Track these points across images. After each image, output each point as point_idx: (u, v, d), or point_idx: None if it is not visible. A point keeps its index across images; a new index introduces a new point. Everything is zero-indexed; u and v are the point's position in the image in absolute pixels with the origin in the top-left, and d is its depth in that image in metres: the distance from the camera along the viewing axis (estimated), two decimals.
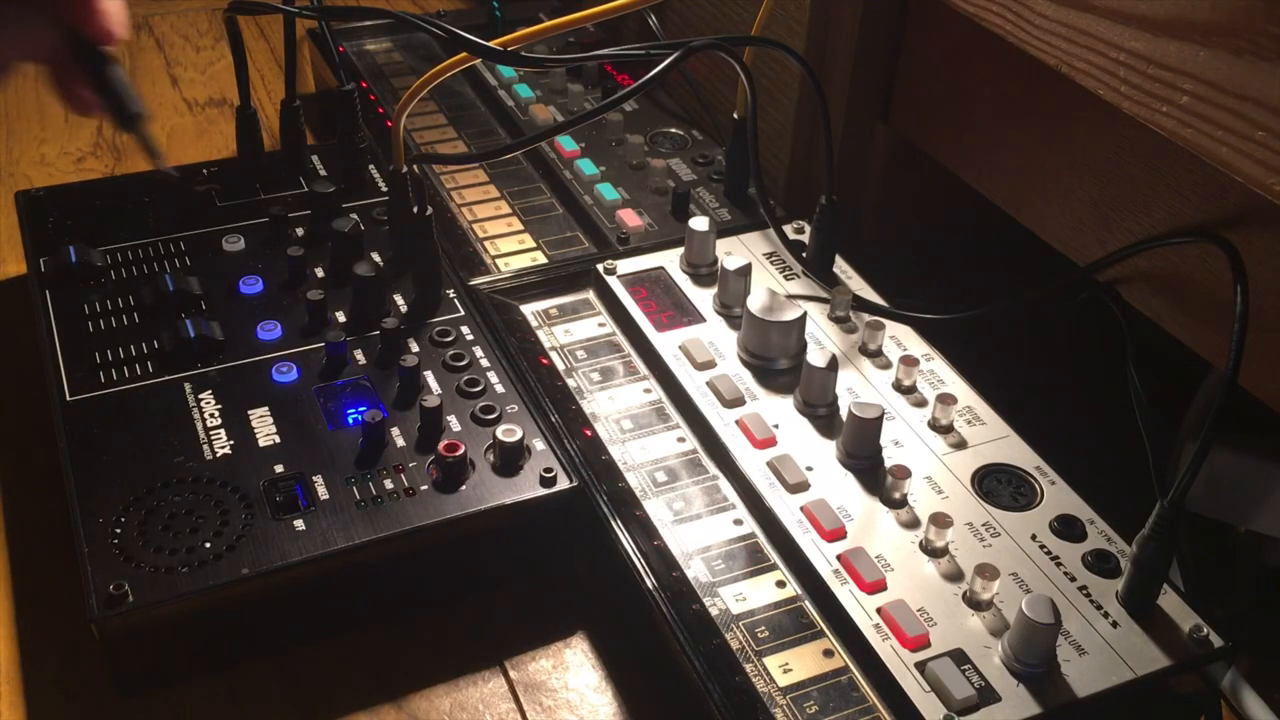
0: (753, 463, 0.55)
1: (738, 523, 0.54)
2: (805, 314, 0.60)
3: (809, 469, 0.55)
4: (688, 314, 0.64)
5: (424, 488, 0.54)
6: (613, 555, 0.53)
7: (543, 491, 0.54)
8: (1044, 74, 0.54)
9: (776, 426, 0.57)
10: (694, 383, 0.60)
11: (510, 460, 0.55)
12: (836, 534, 0.52)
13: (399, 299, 0.65)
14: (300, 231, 0.69)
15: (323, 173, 0.75)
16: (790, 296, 0.61)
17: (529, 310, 0.65)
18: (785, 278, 0.67)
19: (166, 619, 0.49)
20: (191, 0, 1.10)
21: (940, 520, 0.51)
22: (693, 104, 0.82)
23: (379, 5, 0.69)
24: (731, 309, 0.64)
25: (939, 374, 0.61)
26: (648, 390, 0.60)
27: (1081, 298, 0.58)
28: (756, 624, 0.49)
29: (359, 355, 0.61)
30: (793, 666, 0.48)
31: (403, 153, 0.64)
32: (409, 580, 0.54)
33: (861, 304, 0.64)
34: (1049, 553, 0.52)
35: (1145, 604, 0.49)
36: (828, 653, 0.49)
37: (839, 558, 0.51)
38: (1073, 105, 0.55)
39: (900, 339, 0.63)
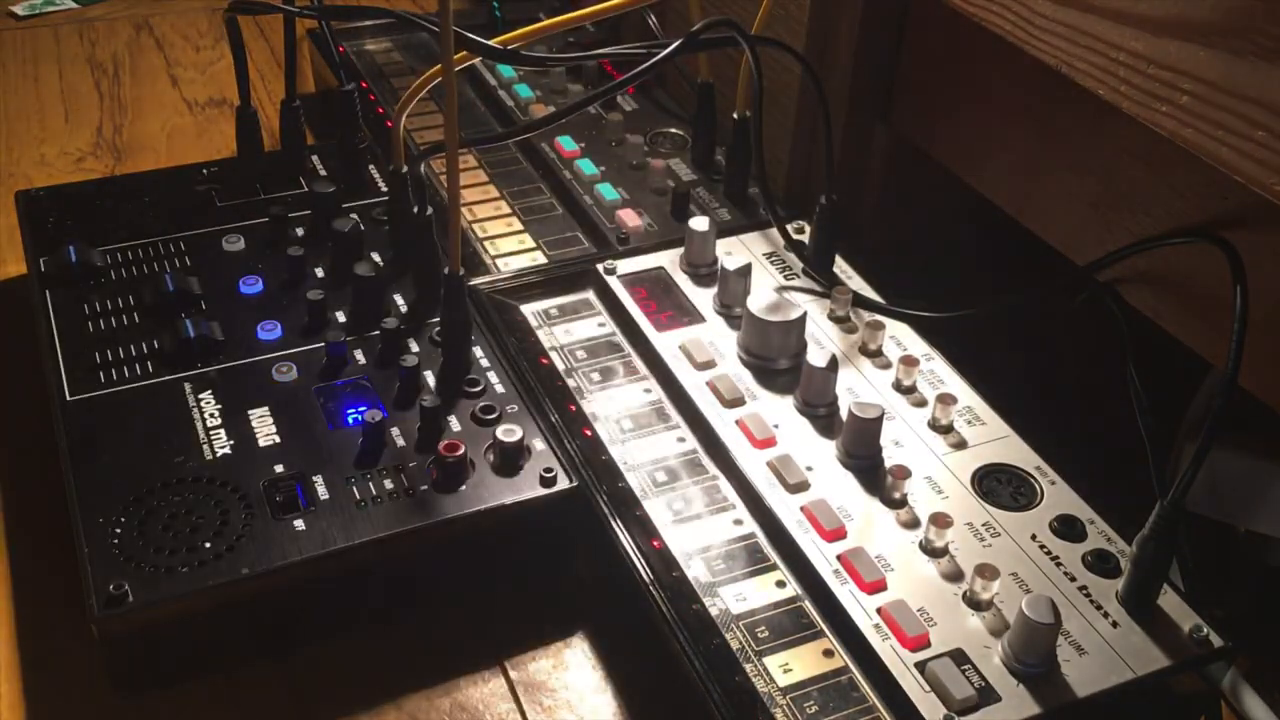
0: (753, 463, 0.55)
1: (738, 523, 0.54)
2: (805, 314, 0.60)
3: (809, 469, 0.55)
4: (688, 314, 0.64)
5: (424, 488, 0.54)
6: (613, 555, 0.53)
7: (543, 491, 0.54)
8: (1044, 74, 0.54)
9: (776, 426, 0.57)
10: (694, 383, 0.60)
11: (510, 460, 0.55)
12: (836, 534, 0.52)
13: (399, 299, 0.65)
14: (300, 231, 0.69)
15: (323, 173, 0.75)
16: (790, 296, 0.61)
17: (529, 310, 0.65)
18: (785, 278, 0.67)
19: (166, 619, 0.49)
20: (191, 0, 1.10)
21: (940, 520, 0.51)
22: (693, 104, 0.82)
23: (379, 5, 0.69)
24: (731, 309, 0.64)
25: (939, 374, 0.61)
26: (648, 390, 0.60)
27: (1081, 298, 0.58)
28: (756, 624, 0.49)
29: (359, 355, 0.61)
30: (793, 666, 0.48)
31: (403, 152, 0.64)
32: (409, 580, 0.54)
33: (861, 303, 0.64)
34: (1049, 553, 0.52)
35: (1145, 604, 0.49)
36: (828, 653, 0.49)
37: (839, 558, 0.51)
38: (1073, 105, 0.56)
39: (900, 339, 0.63)
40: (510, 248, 0.70)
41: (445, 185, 0.74)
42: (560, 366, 0.62)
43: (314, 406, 0.58)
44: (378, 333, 0.61)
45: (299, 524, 0.52)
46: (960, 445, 0.57)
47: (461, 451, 0.54)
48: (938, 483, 0.55)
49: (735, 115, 0.70)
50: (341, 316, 0.63)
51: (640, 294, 0.65)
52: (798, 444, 0.56)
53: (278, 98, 0.74)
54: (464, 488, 0.54)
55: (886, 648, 0.48)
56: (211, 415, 0.57)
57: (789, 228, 0.69)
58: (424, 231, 0.63)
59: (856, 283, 0.66)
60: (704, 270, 0.66)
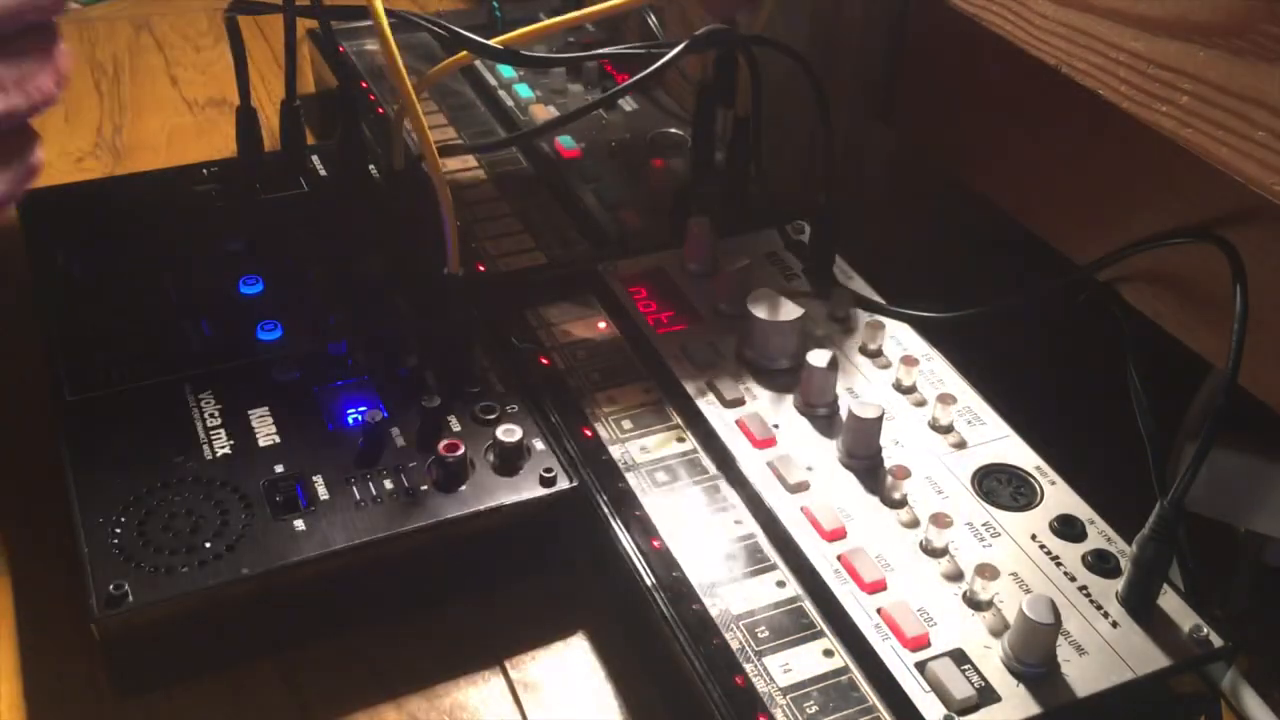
0: (753, 463, 0.55)
1: (738, 523, 0.54)
2: (805, 314, 0.60)
3: (809, 469, 0.55)
4: (688, 314, 0.64)
5: (424, 488, 0.54)
6: (613, 555, 0.53)
7: (543, 491, 0.54)
8: (1044, 74, 0.54)
9: (776, 426, 0.57)
10: (694, 383, 0.60)
11: (510, 460, 0.55)
12: (836, 534, 0.52)
13: (399, 299, 0.65)
14: (301, 231, 0.69)
15: (323, 173, 0.75)
16: (790, 296, 0.61)
17: (529, 310, 0.65)
18: (785, 278, 0.67)
19: (166, 619, 0.49)
20: (191, 0, 1.10)
21: (940, 520, 0.51)
22: (693, 104, 0.82)
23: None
24: (731, 309, 0.64)
25: (939, 374, 0.61)
26: (647, 390, 0.60)
27: (1081, 298, 0.58)
28: (756, 624, 0.49)
29: (359, 355, 0.61)
30: (793, 666, 0.48)
31: (403, 152, 0.64)
32: (409, 580, 0.54)
33: (861, 303, 0.64)
34: (1049, 553, 0.52)
35: (1145, 604, 0.49)
36: (828, 653, 0.49)
37: (839, 558, 0.51)
38: (1073, 105, 0.55)
39: (900, 339, 0.63)
40: (510, 248, 0.70)
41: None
42: (560, 366, 0.62)
43: (314, 406, 0.58)
44: (378, 333, 0.61)
45: (299, 524, 0.52)
46: (960, 445, 0.57)
47: (461, 451, 0.54)
48: (938, 483, 0.55)
49: (736, 114, 0.70)
50: (341, 316, 0.63)
51: (640, 294, 0.65)
52: (798, 444, 0.56)
53: (278, 98, 0.74)
54: (464, 488, 0.54)
55: (886, 648, 0.48)
56: (211, 415, 0.57)
57: (789, 228, 0.69)
58: (424, 232, 0.63)
59: (856, 283, 0.66)
60: (704, 270, 0.66)
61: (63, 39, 0.52)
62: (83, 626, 0.48)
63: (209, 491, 0.53)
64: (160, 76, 0.99)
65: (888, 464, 0.55)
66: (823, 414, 0.58)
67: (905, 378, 0.59)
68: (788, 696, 0.47)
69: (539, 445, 0.56)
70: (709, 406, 0.58)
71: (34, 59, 0.50)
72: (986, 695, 0.46)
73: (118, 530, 0.51)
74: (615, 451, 0.57)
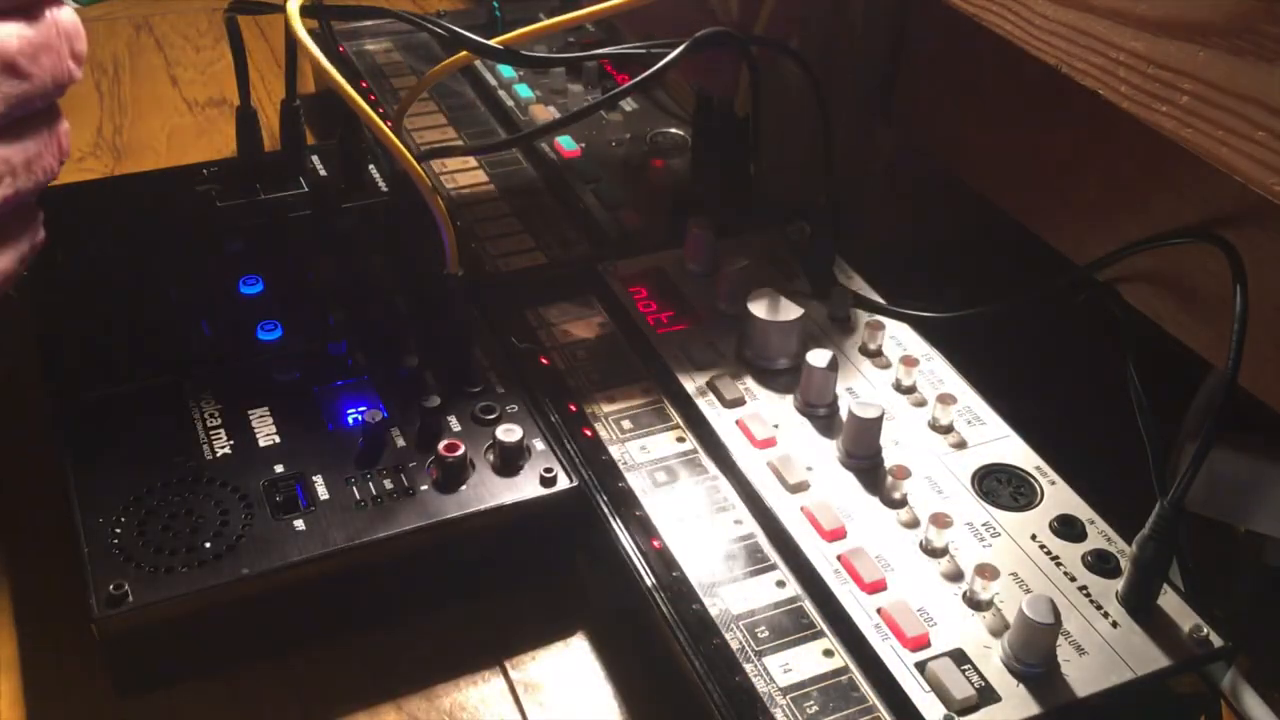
0: (753, 463, 0.55)
1: (738, 523, 0.54)
2: (805, 314, 0.60)
3: (809, 469, 0.55)
4: (688, 314, 0.64)
5: (424, 488, 0.54)
6: (613, 555, 0.53)
7: (543, 491, 0.54)
8: (1044, 74, 0.54)
9: (776, 426, 0.57)
10: (694, 383, 0.60)
11: (510, 460, 0.55)
12: (836, 534, 0.52)
13: (399, 299, 0.65)
14: (300, 231, 0.69)
15: (323, 173, 0.75)
16: (790, 296, 0.61)
17: (529, 310, 0.65)
18: (785, 278, 0.67)
19: (166, 619, 0.49)
20: (191, 0, 1.10)
21: (940, 520, 0.51)
22: (693, 104, 0.82)
23: (379, 5, 0.69)
24: (731, 309, 0.64)
25: (939, 374, 0.61)
26: (647, 390, 0.60)
27: (1081, 298, 0.58)
28: (756, 624, 0.49)
29: (359, 355, 0.61)
30: (793, 666, 0.48)
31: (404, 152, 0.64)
32: (409, 580, 0.54)
33: (861, 303, 0.64)
34: (1049, 553, 0.52)
35: (1145, 604, 0.49)
36: (828, 653, 0.49)
37: (839, 558, 0.51)
38: (1073, 105, 0.56)
39: (900, 339, 0.63)
40: (510, 248, 0.70)
41: (447, 185, 0.75)
42: (560, 366, 0.62)
43: (314, 406, 0.58)
44: (378, 333, 0.61)
45: (299, 524, 0.52)
46: (960, 445, 0.57)
47: (461, 451, 0.54)
48: (938, 483, 0.55)
49: (736, 115, 0.70)
50: (341, 316, 0.63)
51: (640, 294, 0.65)
52: (798, 444, 0.56)
53: (278, 98, 0.74)
54: (464, 488, 0.54)
55: (886, 648, 0.48)
56: (211, 415, 0.57)
57: (789, 228, 0.69)
58: (424, 232, 0.63)
59: (856, 283, 0.66)
60: (704, 270, 0.66)
61: (64, 118, 0.54)
62: (83, 626, 0.48)
63: (209, 491, 0.53)
64: (160, 76, 0.99)
65: (888, 464, 0.55)
66: (823, 414, 0.58)
67: (905, 378, 0.59)
68: (788, 696, 0.47)
69: (539, 445, 0.56)
70: (709, 406, 0.58)
71: (39, 140, 0.50)
72: (986, 695, 0.46)
73: (118, 530, 0.51)
74: (615, 451, 0.57)
